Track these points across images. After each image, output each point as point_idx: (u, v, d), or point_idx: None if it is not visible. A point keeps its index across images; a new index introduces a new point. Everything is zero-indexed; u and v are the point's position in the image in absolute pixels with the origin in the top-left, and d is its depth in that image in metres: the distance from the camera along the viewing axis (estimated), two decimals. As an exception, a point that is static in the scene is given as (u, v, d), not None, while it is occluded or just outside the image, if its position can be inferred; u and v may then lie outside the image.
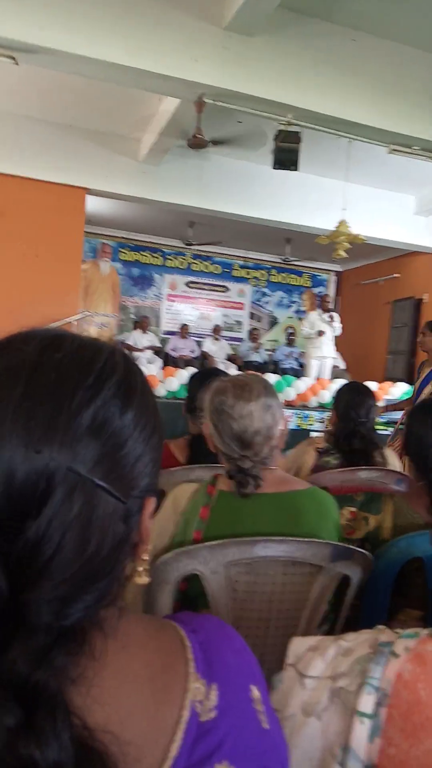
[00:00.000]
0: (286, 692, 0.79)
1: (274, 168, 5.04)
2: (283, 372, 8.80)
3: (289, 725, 0.76)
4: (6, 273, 6.64)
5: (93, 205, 7.42)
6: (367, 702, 0.70)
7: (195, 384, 2.01)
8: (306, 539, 1.25)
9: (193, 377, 2.15)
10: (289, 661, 0.82)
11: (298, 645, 0.83)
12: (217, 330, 9.81)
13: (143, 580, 0.50)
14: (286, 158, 5.00)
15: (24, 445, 0.42)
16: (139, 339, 8.89)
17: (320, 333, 8.02)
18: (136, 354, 8.38)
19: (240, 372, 8.02)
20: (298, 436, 3.53)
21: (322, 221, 7.07)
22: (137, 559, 0.49)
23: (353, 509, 1.54)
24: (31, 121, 6.52)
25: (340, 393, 2.25)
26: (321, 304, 8.39)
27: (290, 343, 9.95)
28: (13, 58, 4.21)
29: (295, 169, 5.05)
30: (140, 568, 0.49)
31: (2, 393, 0.43)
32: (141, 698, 0.43)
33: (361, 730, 0.68)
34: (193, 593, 1.22)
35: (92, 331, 8.90)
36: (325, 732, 0.73)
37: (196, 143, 5.11)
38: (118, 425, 0.45)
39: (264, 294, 11.46)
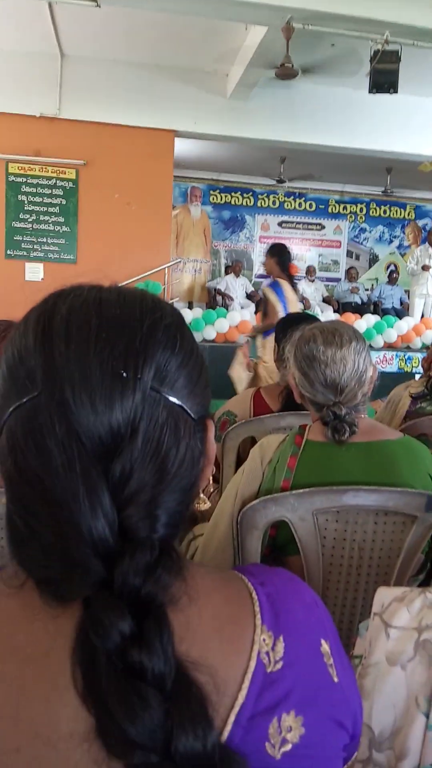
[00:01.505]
0: (371, 640, 0.80)
1: (371, 92, 4.71)
2: (384, 312, 8.46)
3: (374, 672, 0.77)
4: (99, 222, 6.78)
5: (181, 147, 7.32)
6: (453, 656, 0.69)
7: (284, 330, 1.98)
8: (399, 488, 1.22)
9: (281, 324, 2.11)
10: (375, 610, 0.82)
11: (384, 594, 0.83)
12: (310, 271, 9.54)
13: (205, 505, 0.52)
14: (384, 80, 4.64)
15: (111, 371, 0.45)
16: (231, 283, 8.85)
17: (425, 268, 7.57)
18: (228, 302, 8.37)
19: (336, 314, 7.81)
20: (401, 378, 3.42)
21: (428, 146, 6.55)
22: (205, 479, 0.52)
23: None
24: (117, 64, 6.46)
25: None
26: (428, 237, 7.88)
27: (392, 281, 9.49)
28: (95, 0, 4.15)
29: (395, 92, 4.68)
30: (202, 494, 0.52)
31: (79, 327, 0.46)
32: (209, 648, 0.44)
33: (447, 684, 0.68)
34: (283, 540, 1.24)
35: (185, 278, 8.95)
36: (410, 682, 0.74)
37: (285, 73, 4.86)
38: (180, 348, 0.49)
39: (363, 230, 10.92)
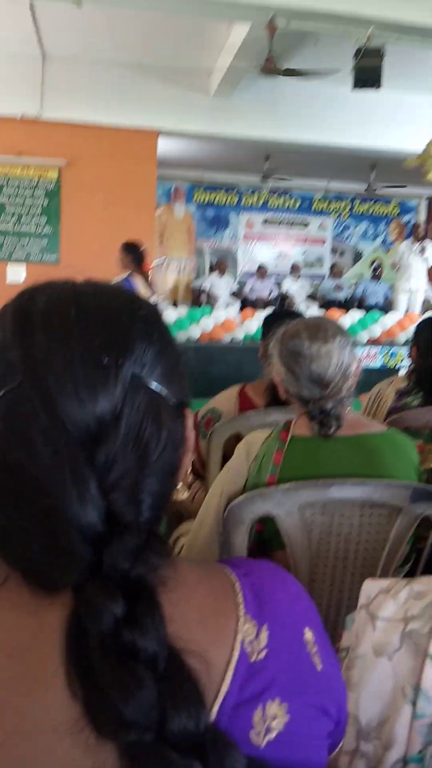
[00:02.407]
0: (358, 632, 0.80)
1: (355, 88, 4.72)
2: (368, 308, 8.50)
3: (360, 664, 0.77)
4: (82, 223, 6.75)
5: (164, 146, 7.31)
6: (438, 645, 0.69)
7: (269, 327, 1.98)
8: (384, 481, 1.23)
9: (266, 320, 2.11)
10: (362, 602, 0.82)
11: (371, 587, 0.83)
12: (295, 269, 9.57)
13: (183, 494, 0.53)
14: (367, 77, 4.66)
15: (93, 360, 0.45)
16: (216, 282, 8.85)
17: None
18: (212, 301, 8.37)
19: (321, 310, 7.84)
20: (384, 374, 3.44)
21: (411, 143, 6.57)
22: (185, 466, 0.53)
23: (420, 442, 1.50)
24: (99, 64, 6.43)
25: (423, 327, 2.13)
26: (412, 232, 7.93)
27: (376, 277, 9.54)
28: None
29: (378, 88, 4.70)
30: (180, 484, 0.52)
31: (59, 318, 0.47)
32: (193, 639, 0.44)
33: (433, 672, 0.68)
34: (269, 534, 1.24)
35: (170, 277, 8.94)
36: (396, 672, 0.74)
37: (269, 69, 4.85)
38: (157, 337, 0.50)
39: (347, 227, 10.98)
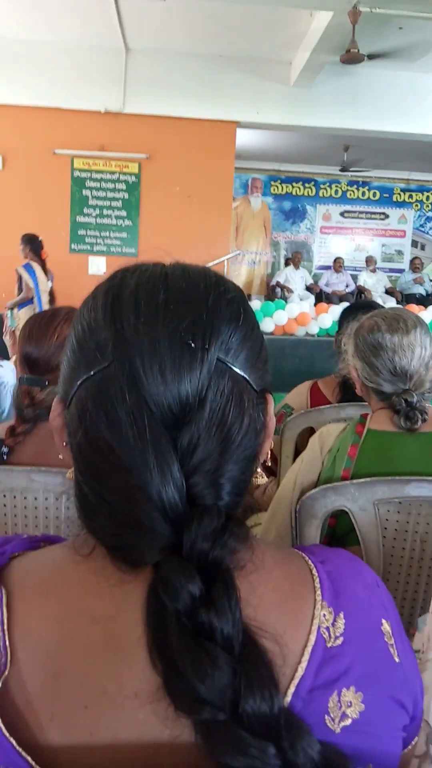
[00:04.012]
0: (430, 635, 0.78)
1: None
2: (449, 303, 8.16)
3: (431, 668, 0.75)
4: (160, 215, 6.85)
5: (242, 138, 7.29)
6: None
7: (346, 319, 1.94)
8: (464, 481, 1.19)
9: (344, 312, 2.08)
10: (436, 604, 0.80)
11: (447, 588, 0.81)
12: (370, 261, 9.31)
13: (262, 480, 0.52)
14: (453, 61, 4.46)
15: (180, 342, 0.45)
16: (291, 275, 8.76)
17: None
18: (287, 294, 8.28)
19: (399, 306, 7.60)
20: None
21: None
22: (265, 452, 0.52)
23: None
24: (180, 56, 6.50)
25: None
26: None
27: (458, 271, 9.14)
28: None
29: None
30: (259, 470, 0.52)
31: (148, 300, 0.47)
32: (269, 621, 0.44)
33: None
34: (342, 530, 1.23)
35: (243, 270, 8.92)
36: (471, 677, 0.72)
37: (351, 58, 4.74)
38: (243, 322, 0.49)
39: (429, 219, 10.56)
